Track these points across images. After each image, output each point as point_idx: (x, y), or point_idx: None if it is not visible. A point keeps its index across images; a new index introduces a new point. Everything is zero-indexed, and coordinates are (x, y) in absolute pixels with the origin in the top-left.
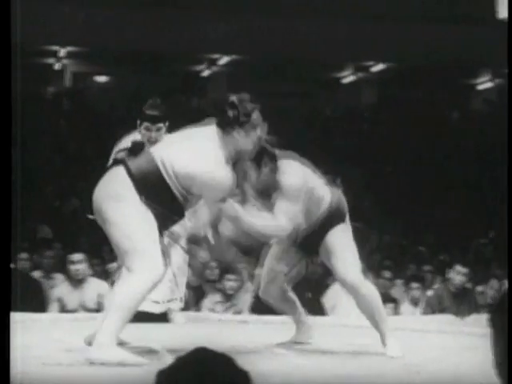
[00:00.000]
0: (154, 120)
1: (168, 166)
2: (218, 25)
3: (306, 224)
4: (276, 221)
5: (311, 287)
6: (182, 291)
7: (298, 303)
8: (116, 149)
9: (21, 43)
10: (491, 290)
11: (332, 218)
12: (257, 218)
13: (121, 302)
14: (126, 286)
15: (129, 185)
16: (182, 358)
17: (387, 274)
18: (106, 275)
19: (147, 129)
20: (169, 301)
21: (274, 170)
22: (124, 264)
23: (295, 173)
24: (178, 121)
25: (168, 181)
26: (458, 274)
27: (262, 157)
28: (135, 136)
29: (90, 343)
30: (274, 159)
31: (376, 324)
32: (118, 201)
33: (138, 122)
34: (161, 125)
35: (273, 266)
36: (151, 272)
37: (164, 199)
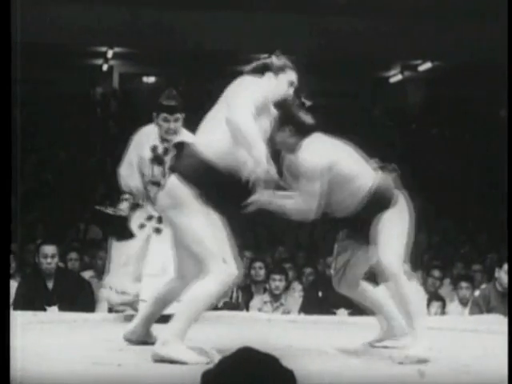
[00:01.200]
0: (171, 110)
1: (210, 152)
2: (268, 25)
3: (341, 208)
4: (297, 204)
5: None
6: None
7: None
8: (134, 145)
9: (70, 45)
10: None
11: (374, 204)
12: (285, 200)
13: (195, 303)
14: (202, 288)
15: (186, 192)
16: (227, 358)
17: (436, 273)
18: None
19: (165, 120)
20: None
21: (297, 137)
22: (201, 267)
23: (315, 150)
24: None
25: (217, 167)
26: (506, 274)
27: (289, 117)
28: (152, 129)
29: (129, 340)
30: (300, 126)
31: (408, 318)
32: (181, 210)
33: (155, 114)
34: (178, 115)
35: (343, 258)
36: (228, 275)
37: (221, 190)
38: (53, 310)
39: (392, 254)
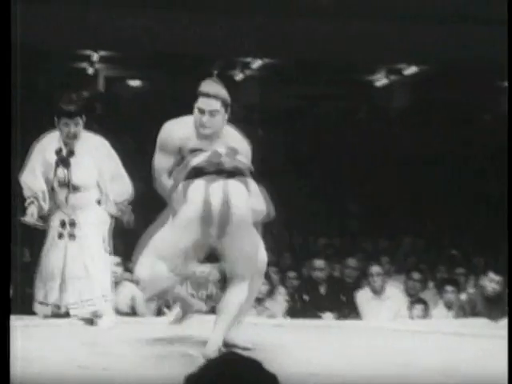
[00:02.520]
0: (70, 115)
1: None
2: (250, 28)
3: None
4: None
5: (345, 290)
6: (104, 288)
7: None
8: (37, 151)
9: (54, 48)
10: None
11: None
12: None
13: (238, 308)
14: (243, 294)
15: None
16: (211, 363)
17: (417, 275)
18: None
19: (66, 124)
20: (82, 301)
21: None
22: (236, 272)
23: None
24: None
25: None
26: (491, 282)
27: None
28: (55, 134)
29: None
30: None
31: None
32: None
33: (56, 119)
34: (78, 119)
35: None
36: (261, 280)
37: None
38: None
39: None
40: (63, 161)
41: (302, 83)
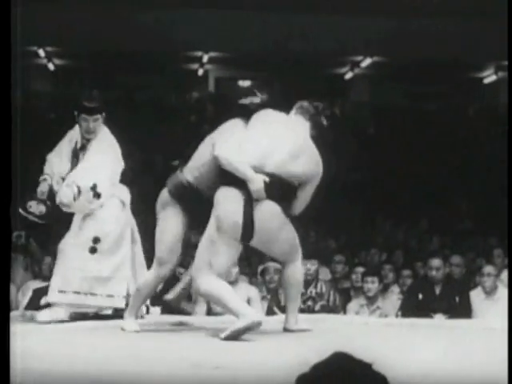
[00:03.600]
0: (90, 112)
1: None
2: (360, 27)
3: None
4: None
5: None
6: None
7: None
8: (68, 138)
9: (166, 51)
10: None
11: None
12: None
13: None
14: (299, 271)
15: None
16: (322, 363)
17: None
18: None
19: (85, 120)
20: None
21: None
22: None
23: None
24: None
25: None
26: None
27: None
28: None
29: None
30: None
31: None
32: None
33: (76, 113)
34: (98, 115)
35: None
36: None
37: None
38: None
39: None
40: (74, 152)
41: (411, 81)
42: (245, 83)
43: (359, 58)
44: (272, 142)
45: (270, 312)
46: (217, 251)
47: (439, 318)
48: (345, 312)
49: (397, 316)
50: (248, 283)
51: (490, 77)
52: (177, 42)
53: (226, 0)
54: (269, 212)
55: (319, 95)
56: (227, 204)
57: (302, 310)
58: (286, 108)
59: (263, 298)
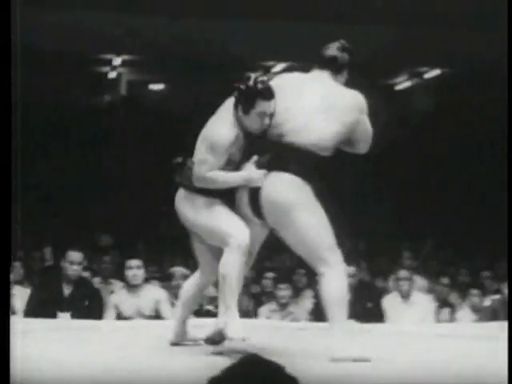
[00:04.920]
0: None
1: None
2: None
3: None
4: None
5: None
6: None
7: None
8: None
9: (77, 53)
10: None
11: None
12: None
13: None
14: (340, 280)
15: (308, 190)
16: (233, 366)
17: (445, 280)
18: (164, 281)
19: None
20: None
21: None
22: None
23: None
24: None
25: None
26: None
27: None
28: None
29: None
30: None
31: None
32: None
33: None
34: None
35: None
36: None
37: None
38: (65, 317)
39: None
40: None
41: None
42: (156, 87)
43: (271, 63)
44: (288, 105)
45: None
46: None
47: (351, 323)
48: (256, 316)
49: (309, 320)
50: (158, 286)
51: (403, 83)
52: (88, 44)
53: (138, 3)
54: (281, 183)
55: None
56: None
57: (213, 315)
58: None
59: (172, 303)
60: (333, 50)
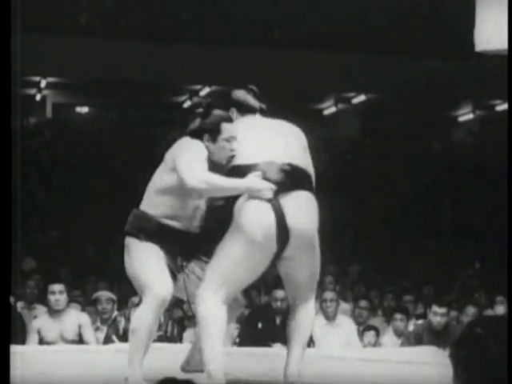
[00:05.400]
0: None
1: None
2: (221, 57)
3: None
4: None
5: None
6: None
7: None
8: None
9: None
10: (467, 317)
11: None
12: None
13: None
14: (311, 315)
15: None
16: None
17: (363, 303)
18: (87, 306)
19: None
20: None
21: None
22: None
23: None
24: None
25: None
26: (435, 315)
27: None
28: None
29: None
30: None
31: None
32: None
33: None
34: None
35: None
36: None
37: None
38: None
39: None
40: None
41: None
42: (83, 109)
43: (198, 86)
44: (266, 136)
45: (107, 340)
46: (238, 268)
47: (278, 347)
48: (181, 341)
49: (235, 345)
50: (80, 310)
51: (329, 108)
52: (15, 66)
53: (66, 26)
54: (305, 203)
55: (159, 123)
56: (251, 207)
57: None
58: (124, 137)
59: (97, 328)
60: (241, 93)
